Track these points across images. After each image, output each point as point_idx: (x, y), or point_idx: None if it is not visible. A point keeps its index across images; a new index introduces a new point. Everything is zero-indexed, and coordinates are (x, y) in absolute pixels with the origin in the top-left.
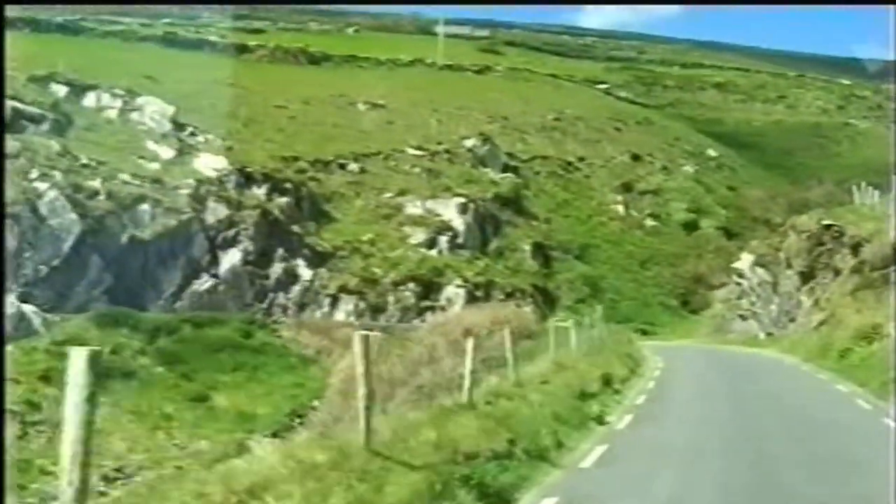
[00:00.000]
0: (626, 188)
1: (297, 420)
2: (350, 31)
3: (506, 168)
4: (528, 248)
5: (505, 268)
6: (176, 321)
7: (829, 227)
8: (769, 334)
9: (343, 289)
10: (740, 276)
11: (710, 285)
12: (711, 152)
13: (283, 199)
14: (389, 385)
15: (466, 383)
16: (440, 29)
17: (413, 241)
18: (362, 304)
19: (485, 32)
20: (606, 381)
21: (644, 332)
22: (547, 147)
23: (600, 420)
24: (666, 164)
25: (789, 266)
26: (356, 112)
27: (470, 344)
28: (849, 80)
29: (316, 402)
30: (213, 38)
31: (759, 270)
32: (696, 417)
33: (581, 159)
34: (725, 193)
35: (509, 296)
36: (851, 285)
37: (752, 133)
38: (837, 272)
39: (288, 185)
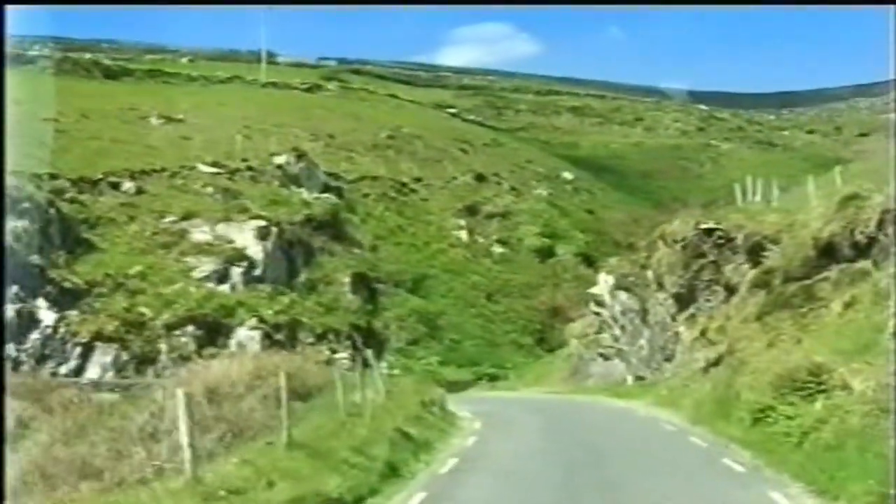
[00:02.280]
0: (471, 211)
1: None
2: (184, 60)
3: (326, 188)
4: (347, 280)
5: (317, 304)
6: None
7: (710, 231)
8: (640, 378)
9: (99, 335)
10: (599, 303)
11: (569, 318)
12: (567, 175)
13: (20, 224)
14: (80, 474)
15: None
16: (263, 48)
17: (198, 273)
18: (125, 355)
19: (332, 63)
20: None
21: (493, 378)
22: (378, 166)
23: None
24: (515, 186)
25: (660, 287)
26: (147, 127)
27: None
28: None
29: None
30: None
31: (622, 295)
32: None
33: (417, 180)
34: (584, 217)
35: (321, 338)
36: (755, 306)
37: (611, 156)
38: (731, 290)
39: (27, 206)
